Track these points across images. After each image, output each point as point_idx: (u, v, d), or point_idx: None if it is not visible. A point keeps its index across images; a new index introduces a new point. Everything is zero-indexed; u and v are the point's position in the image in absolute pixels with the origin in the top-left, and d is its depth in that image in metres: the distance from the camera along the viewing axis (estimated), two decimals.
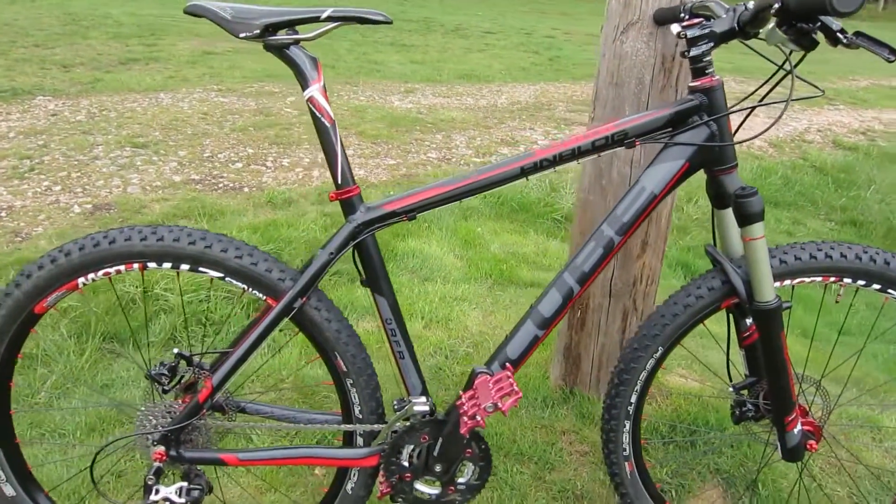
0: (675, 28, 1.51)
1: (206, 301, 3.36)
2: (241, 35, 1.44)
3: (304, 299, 1.54)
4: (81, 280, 1.55)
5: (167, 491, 1.58)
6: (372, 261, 1.59)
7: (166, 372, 1.68)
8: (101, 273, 1.54)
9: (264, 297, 1.58)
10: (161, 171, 5.07)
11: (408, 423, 1.63)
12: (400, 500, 1.70)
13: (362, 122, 6.72)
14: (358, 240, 1.54)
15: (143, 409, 1.65)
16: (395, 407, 1.67)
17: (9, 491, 1.72)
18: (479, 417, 1.48)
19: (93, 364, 2.96)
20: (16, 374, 1.67)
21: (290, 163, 5.46)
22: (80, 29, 11.19)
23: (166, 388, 1.71)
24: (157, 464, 1.59)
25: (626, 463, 1.86)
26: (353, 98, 7.83)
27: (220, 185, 4.93)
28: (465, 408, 1.51)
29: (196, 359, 1.71)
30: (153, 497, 1.58)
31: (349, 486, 1.74)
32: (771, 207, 6.42)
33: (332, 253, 1.53)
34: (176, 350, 1.70)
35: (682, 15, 1.53)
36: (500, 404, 1.48)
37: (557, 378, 2.64)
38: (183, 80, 8.09)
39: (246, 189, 4.90)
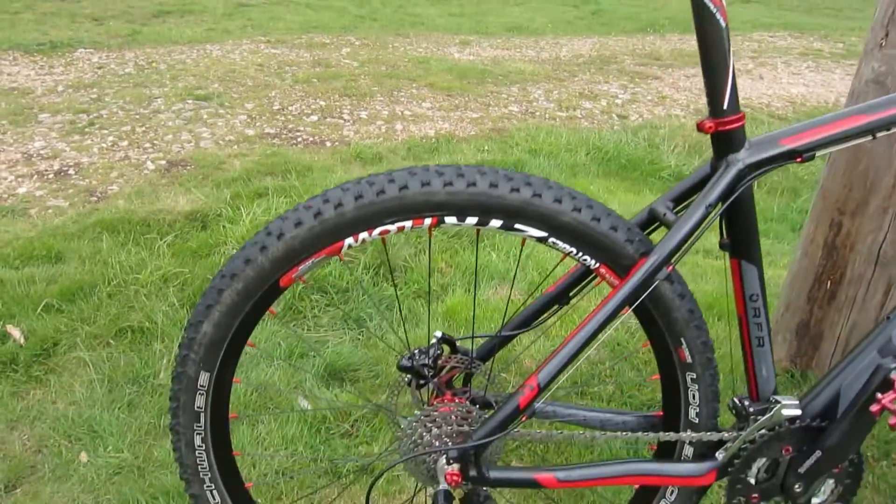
0: None
1: (325, 267, 2.93)
2: None
3: (670, 269, 1.11)
4: (350, 241, 1.12)
5: None
6: (745, 218, 1.17)
7: (429, 363, 1.27)
8: (377, 231, 1.12)
9: (596, 265, 1.15)
10: (231, 125, 4.61)
11: (771, 432, 1.22)
12: None
13: (428, 73, 6.21)
14: (742, 188, 1.11)
15: (417, 413, 1.24)
16: (744, 408, 1.26)
17: None
18: None
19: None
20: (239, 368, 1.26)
21: (368, 115, 4.99)
22: None
23: (423, 384, 1.30)
24: (445, 487, 1.18)
25: None
26: (411, 49, 7.30)
27: (299, 139, 4.48)
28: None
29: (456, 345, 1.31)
30: None
31: None
32: None
33: (710, 205, 1.10)
34: (439, 334, 1.29)
35: None
36: None
37: (783, 359, 2.23)
38: (225, 32, 7.57)
39: (328, 143, 4.45)
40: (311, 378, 2.35)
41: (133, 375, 2.32)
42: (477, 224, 1.12)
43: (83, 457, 2.00)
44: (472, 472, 1.18)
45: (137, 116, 4.64)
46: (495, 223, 1.12)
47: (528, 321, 1.34)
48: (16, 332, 2.48)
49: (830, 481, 1.29)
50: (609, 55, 8.04)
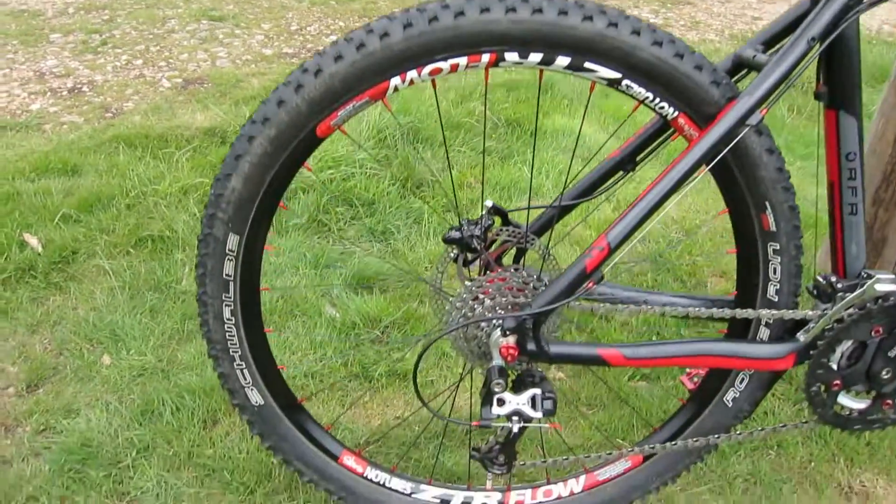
0: None
1: (350, 178, 2.81)
2: None
3: (764, 112, 0.97)
4: (396, 81, 0.99)
5: (517, 401, 1.08)
6: (848, 60, 1.03)
7: (479, 234, 1.15)
8: (428, 70, 0.99)
9: (675, 114, 1.02)
10: (248, 45, 4.44)
11: (860, 310, 1.10)
12: (815, 417, 1.19)
13: None
14: (849, 20, 0.97)
15: (468, 284, 1.12)
16: (831, 286, 1.13)
17: (255, 398, 1.22)
18: None
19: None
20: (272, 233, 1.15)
21: None
22: None
23: (471, 258, 1.19)
24: (499, 363, 1.07)
25: None
26: None
27: None
28: None
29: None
30: (498, 409, 1.08)
31: (730, 395, 1.24)
32: None
33: (813, 39, 0.96)
34: (489, 203, 1.16)
35: None
36: None
37: None
38: None
39: None
40: (339, 286, 2.25)
41: (154, 283, 2.24)
42: (541, 62, 0.98)
43: (106, 359, 1.92)
44: (530, 346, 1.07)
45: (151, 36, 4.48)
46: (562, 61, 0.98)
47: (589, 190, 1.21)
48: (33, 241, 2.39)
49: None
50: None
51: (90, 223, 2.51)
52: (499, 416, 1.08)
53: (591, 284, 1.03)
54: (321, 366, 1.89)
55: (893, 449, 1.66)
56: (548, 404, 1.09)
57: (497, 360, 1.07)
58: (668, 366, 1.66)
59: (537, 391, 1.08)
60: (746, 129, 0.97)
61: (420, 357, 1.10)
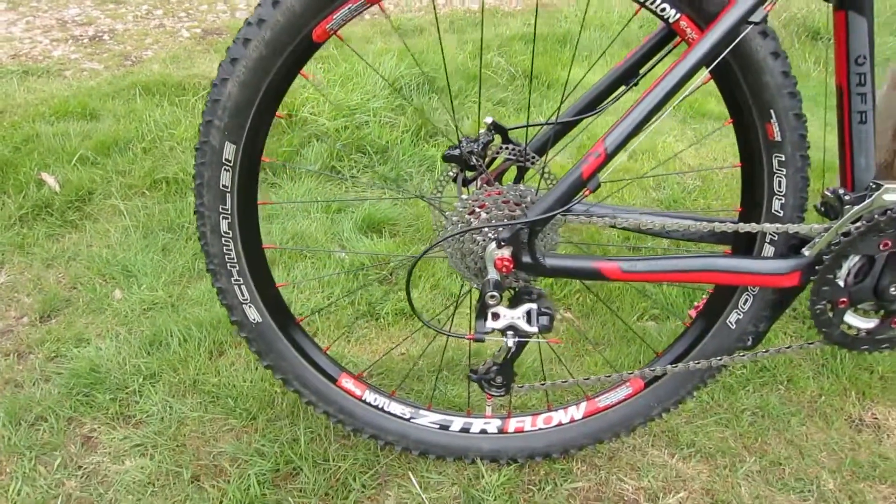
0: None
1: (363, 126, 2.79)
2: None
3: (770, 7, 0.94)
4: None
5: (512, 315, 1.07)
6: None
7: (478, 150, 1.13)
8: None
9: (677, 16, 0.98)
10: None
11: (867, 223, 1.06)
12: (821, 337, 1.17)
13: None
14: None
15: (465, 197, 1.11)
16: (840, 199, 1.10)
17: (253, 315, 1.23)
18: None
19: None
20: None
21: None
22: None
23: (471, 176, 1.17)
24: (496, 276, 1.06)
25: None
26: None
27: None
28: None
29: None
30: (492, 324, 1.07)
31: (733, 316, 1.21)
32: None
33: None
34: (489, 119, 1.14)
35: None
36: None
37: None
38: None
39: (367, 16, 4.23)
40: (349, 229, 2.25)
41: (168, 224, 2.26)
42: None
43: (117, 294, 1.95)
44: (526, 258, 1.05)
45: None
46: None
47: (591, 105, 1.18)
48: (50, 180, 2.42)
49: None
50: None
51: (107, 165, 2.53)
52: (493, 330, 1.07)
53: (587, 192, 1.00)
54: (329, 304, 1.89)
55: None
56: (544, 320, 1.07)
57: (492, 273, 1.05)
58: (667, 281, 1.63)
59: (533, 306, 1.07)
60: (749, 27, 0.93)
61: (412, 268, 1.09)
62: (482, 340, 1.06)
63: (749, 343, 1.25)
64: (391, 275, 2.07)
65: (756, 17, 0.93)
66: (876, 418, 1.55)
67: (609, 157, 0.98)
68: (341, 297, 1.91)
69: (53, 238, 2.20)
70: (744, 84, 1.02)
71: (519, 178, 1.20)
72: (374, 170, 2.59)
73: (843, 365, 1.66)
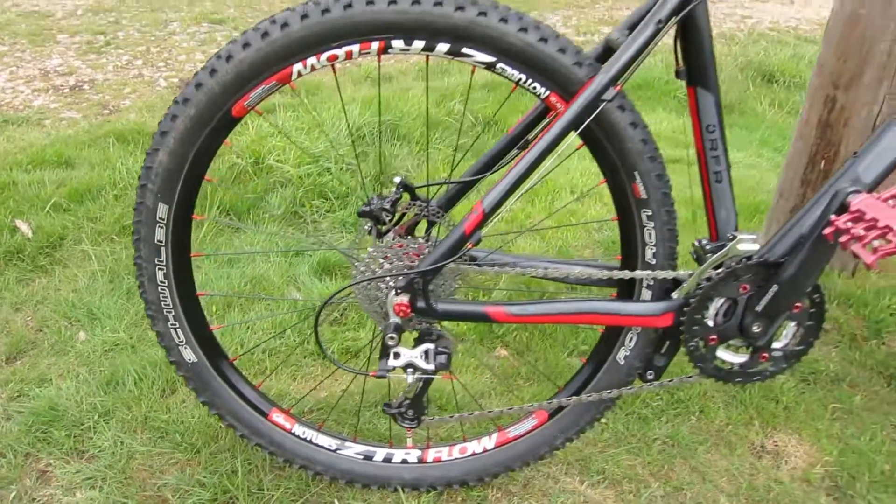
0: None
1: (325, 174, 2.95)
2: None
3: (618, 88, 1.09)
4: (298, 67, 1.12)
5: (410, 354, 1.20)
6: (700, 40, 1.14)
7: (387, 207, 1.27)
8: (326, 56, 1.11)
9: (546, 93, 1.14)
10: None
11: (726, 269, 1.21)
12: (697, 371, 1.30)
13: None
14: (694, 3, 1.08)
15: (370, 250, 1.25)
16: (702, 248, 1.24)
17: (189, 356, 1.35)
18: (893, 240, 1.02)
19: (212, 239, 2.60)
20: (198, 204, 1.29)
21: None
22: None
23: (383, 229, 1.31)
24: (396, 319, 1.19)
25: None
26: None
27: None
28: (853, 233, 1.06)
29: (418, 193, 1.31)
30: (393, 362, 1.20)
31: (621, 353, 1.35)
32: None
33: (660, 22, 1.07)
34: (398, 178, 1.28)
35: None
36: None
37: None
38: None
39: (339, 65, 4.41)
40: (305, 273, 2.38)
41: (133, 268, 2.37)
42: (424, 48, 1.11)
43: (81, 335, 2.06)
44: (420, 304, 1.19)
45: (153, 38, 4.66)
46: (442, 47, 1.10)
47: (488, 166, 1.33)
48: (24, 226, 2.55)
49: (791, 323, 1.28)
50: None
51: (78, 212, 2.66)
52: (395, 368, 1.20)
53: (470, 246, 1.15)
54: (279, 343, 2.01)
55: (808, 412, 1.76)
56: (441, 358, 1.21)
57: (392, 317, 1.19)
58: (552, 323, 1.76)
59: (431, 346, 1.20)
60: (604, 103, 1.09)
61: (319, 311, 1.23)
62: (384, 377, 1.19)
63: (651, 377, 1.38)
64: (341, 315, 2.20)
65: (607, 97, 1.08)
66: (776, 445, 1.68)
67: (487, 215, 1.12)
68: (293, 337, 2.04)
69: (24, 282, 2.31)
70: (610, 150, 1.17)
71: (429, 231, 1.34)
72: (343, 227, 2.72)
73: (751, 395, 1.79)
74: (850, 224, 1.08)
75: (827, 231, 1.11)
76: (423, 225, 1.34)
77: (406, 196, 1.31)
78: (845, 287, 2.16)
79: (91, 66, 4.12)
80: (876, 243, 1.02)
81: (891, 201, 1.07)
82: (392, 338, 1.17)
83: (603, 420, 1.71)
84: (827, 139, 1.93)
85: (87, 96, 3.71)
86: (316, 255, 2.45)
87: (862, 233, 1.05)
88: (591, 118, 1.09)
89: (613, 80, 1.08)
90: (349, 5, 1.07)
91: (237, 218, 2.76)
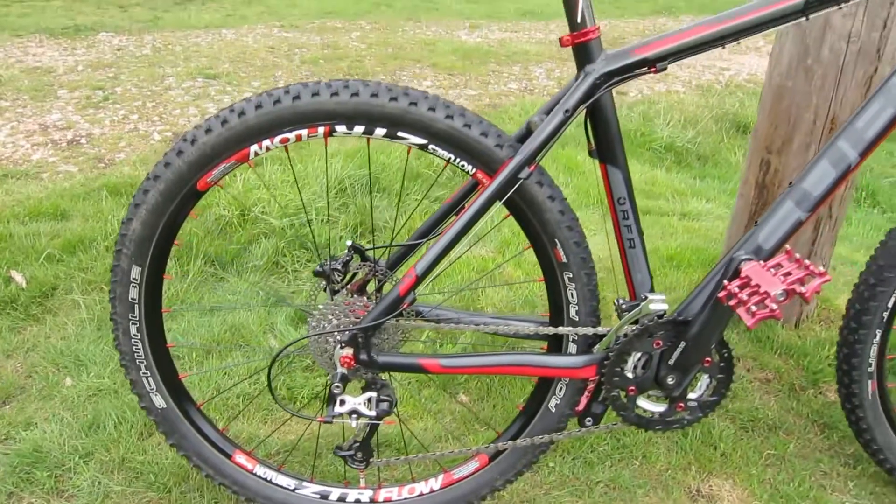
0: None
1: (307, 225, 3.10)
2: None
3: (533, 167, 1.25)
4: (255, 148, 1.28)
5: (354, 402, 1.33)
6: (608, 124, 1.30)
7: (339, 268, 1.42)
8: (278, 139, 1.27)
9: (473, 170, 1.29)
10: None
11: (640, 326, 1.35)
12: (619, 419, 1.43)
13: (434, 54, 6.36)
14: (597, 95, 1.24)
15: (320, 307, 1.39)
16: (620, 307, 1.39)
17: (159, 402, 1.49)
18: (773, 306, 1.16)
19: (196, 287, 2.74)
20: (171, 264, 1.43)
21: None
22: None
23: (336, 287, 1.45)
24: (342, 370, 1.33)
25: (870, 382, 1.57)
26: (420, 33, 7.46)
27: None
28: (739, 297, 1.21)
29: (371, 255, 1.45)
30: (338, 409, 1.33)
31: (552, 402, 1.48)
32: None
33: (567, 111, 1.23)
34: (349, 242, 1.43)
35: None
36: (799, 289, 1.17)
37: None
38: (242, 18, 7.80)
39: None
40: (282, 322, 2.52)
41: None
42: (364, 132, 1.26)
43: (67, 381, 2.19)
44: (363, 356, 1.33)
45: (149, 93, 4.87)
46: (380, 131, 1.26)
47: (429, 231, 1.48)
48: (18, 277, 2.69)
49: (705, 376, 1.41)
50: (617, 36, 8.10)
51: (71, 263, 2.81)
52: (340, 414, 1.33)
53: (405, 305, 1.29)
54: (253, 388, 2.14)
55: (744, 457, 1.87)
56: (383, 405, 1.34)
57: (339, 368, 1.33)
58: (483, 373, 1.89)
59: (374, 394, 1.34)
60: (520, 181, 1.24)
61: (272, 362, 1.37)
62: (330, 422, 1.32)
63: (590, 423, 1.51)
64: (313, 362, 2.33)
65: (523, 175, 1.23)
66: (711, 489, 1.79)
67: (420, 278, 1.27)
68: (248, 382, 2.17)
69: (16, 330, 2.45)
70: (532, 219, 1.32)
71: (379, 289, 1.48)
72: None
73: (692, 441, 1.91)
74: (737, 289, 1.22)
75: (721, 294, 1.25)
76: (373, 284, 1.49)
77: (357, 257, 1.46)
78: (787, 338, 2.29)
79: (89, 120, 4.31)
80: (753, 308, 1.17)
81: (772, 269, 1.22)
82: (338, 386, 1.31)
83: (550, 464, 1.84)
84: (764, 199, 2.09)
85: (83, 150, 3.89)
86: (294, 306, 2.59)
87: (745, 297, 1.19)
88: (509, 193, 1.24)
89: (528, 161, 1.23)
90: (297, 97, 1.23)
91: (221, 268, 2.90)
